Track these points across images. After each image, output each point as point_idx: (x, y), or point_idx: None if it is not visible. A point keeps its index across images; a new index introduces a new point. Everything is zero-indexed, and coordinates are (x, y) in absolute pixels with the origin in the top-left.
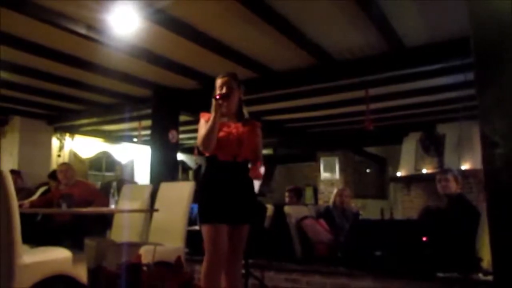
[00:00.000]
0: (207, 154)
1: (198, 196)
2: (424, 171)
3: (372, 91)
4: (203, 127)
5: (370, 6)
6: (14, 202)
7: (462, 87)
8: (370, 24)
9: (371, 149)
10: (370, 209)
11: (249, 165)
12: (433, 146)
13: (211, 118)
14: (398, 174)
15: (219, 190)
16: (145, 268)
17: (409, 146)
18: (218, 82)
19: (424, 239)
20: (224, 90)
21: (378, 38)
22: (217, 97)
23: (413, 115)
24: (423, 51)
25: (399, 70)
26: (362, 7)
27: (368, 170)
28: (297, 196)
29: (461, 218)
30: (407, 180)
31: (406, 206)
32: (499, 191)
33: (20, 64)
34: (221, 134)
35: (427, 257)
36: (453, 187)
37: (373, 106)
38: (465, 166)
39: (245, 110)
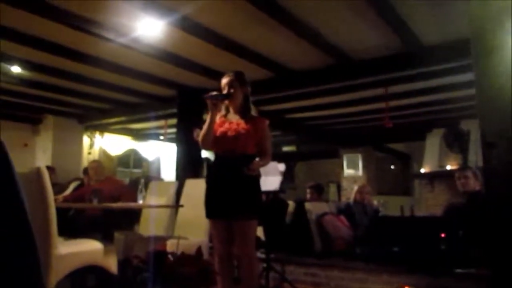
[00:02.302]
0: (206, 150)
1: None
2: (448, 167)
3: (393, 89)
4: (204, 125)
5: (385, 7)
6: (51, 197)
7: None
8: (386, 24)
9: (395, 146)
10: (393, 206)
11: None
12: (457, 142)
13: (207, 119)
14: (422, 170)
15: (215, 185)
16: (170, 256)
17: (433, 143)
18: (222, 81)
19: (442, 235)
20: (225, 90)
21: (394, 37)
22: (206, 96)
23: (437, 112)
24: (441, 50)
25: (416, 68)
26: (378, 8)
27: (392, 167)
28: (318, 192)
29: (480, 214)
30: (431, 177)
31: (430, 203)
32: (496, 189)
33: (53, 67)
34: (221, 129)
35: (445, 253)
36: (472, 184)
37: (395, 103)
38: None
39: (253, 107)
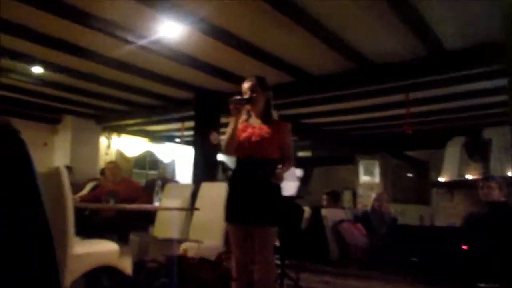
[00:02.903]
0: (229, 155)
1: None
2: (469, 177)
3: (414, 95)
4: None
5: (408, 10)
6: (70, 197)
7: (508, 91)
8: (408, 28)
9: (413, 153)
10: (409, 215)
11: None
12: (478, 151)
13: (230, 124)
14: (441, 179)
15: (238, 190)
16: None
17: (453, 151)
18: (244, 85)
19: (464, 247)
20: (247, 95)
21: (417, 42)
22: (231, 100)
23: (458, 119)
24: (463, 55)
25: (439, 74)
26: (400, 11)
27: (409, 175)
28: (334, 199)
29: (505, 226)
30: (450, 186)
31: (449, 213)
32: None
33: (73, 68)
34: (244, 135)
35: (466, 266)
36: (497, 195)
37: (415, 109)
38: (511, 173)
39: (274, 112)
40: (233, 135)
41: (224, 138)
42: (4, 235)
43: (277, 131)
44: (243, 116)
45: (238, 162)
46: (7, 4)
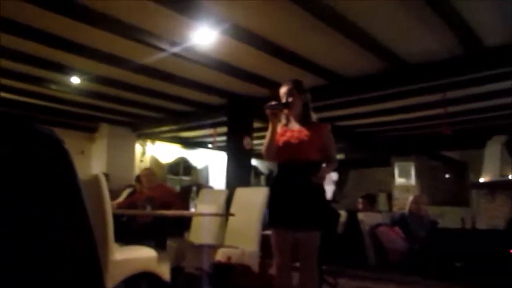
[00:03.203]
0: (269, 161)
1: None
2: (511, 177)
3: (451, 94)
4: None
5: (445, 7)
6: (109, 203)
7: None
8: (445, 26)
9: (449, 154)
10: (448, 217)
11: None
12: None
13: (268, 129)
14: (481, 180)
15: (281, 194)
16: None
17: (493, 150)
18: (281, 91)
19: (511, 251)
20: (284, 100)
21: (454, 40)
22: (266, 106)
23: (497, 117)
24: (503, 52)
25: (478, 72)
26: (437, 9)
27: (447, 176)
28: (370, 202)
29: None
30: (491, 187)
31: (491, 215)
32: None
33: (109, 77)
34: (283, 139)
35: None
36: None
37: (452, 109)
38: None
39: (313, 115)
40: (271, 140)
41: (263, 143)
42: (53, 243)
43: (316, 133)
44: (282, 121)
45: (279, 166)
46: (46, 15)
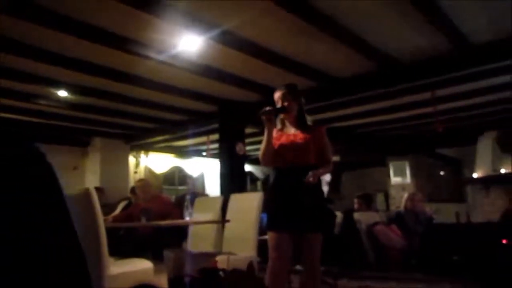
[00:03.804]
0: (266, 166)
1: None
2: (503, 171)
3: (441, 92)
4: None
5: (431, 6)
6: (101, 217)
7: None
8: (433, 25)
9: (444, 151)
10: (445, 213)
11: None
12: (511, 144)
13: (264, 135)
14: (475, 175)
15: (281, 197)
16: (221, 273)
17: (485, 146)
18: (275, 95)
19: (504, 241)
20: (279, 104)
21: (441, 38)
22: (261, 112)
23: (488, 114)
24: (490, 48)
25: (466, 69)
26: (424, 9)
27: (441, 173)
28: (366, 202)
29: None
30: (485, 182)
31: (487, 209)
32: None
33: (98, 88)
34: (279, 143)
35: (508, 260)
36: None
37: (443, 106)
38: None
39: (309, 118)
40: (268, 145)
41: (260, 149)
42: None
43: (312, 136)
44: (278, 125)
45: (276, 171)
46: (31, 28)
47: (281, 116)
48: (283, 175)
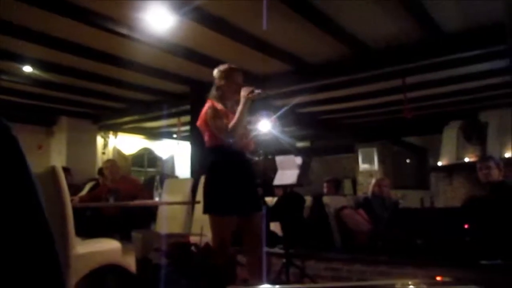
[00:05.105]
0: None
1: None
2: (467, 160)
3: (410, 80)
4: (219, 116)
5: None
6: (67, 196)
7: (504, 73)
8: (405, 11)
9: (411, 139)
10: (410, 200)
11: None
12: (475, 134)
13: (242, 111)
14: (439, 163)
15: (229, 180)
16: (193, 247)
17: (450, 135)
18: (239, 78)
19: (466, 226)
20: (258, 90)
21: (414, 25)
22: (253, 94)
23: (454, 103)
24: (460, 37)
25: (436, 57)
26: None
27: (408, 161)
28: (335, 187)
29: (505, 205)
30: (449, 170)
31: (449, 196)
32: None
33: (64, 65)
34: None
35: (469, 245)
36: (496, 175)
37: (411, 95)
38: (508, 154)
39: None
40: (242, 122)
41: (232, 123)
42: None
43: None
44: (228, 105)
45: (223, 150)
46: None
47: (237, 97)
48: (236, 156)
